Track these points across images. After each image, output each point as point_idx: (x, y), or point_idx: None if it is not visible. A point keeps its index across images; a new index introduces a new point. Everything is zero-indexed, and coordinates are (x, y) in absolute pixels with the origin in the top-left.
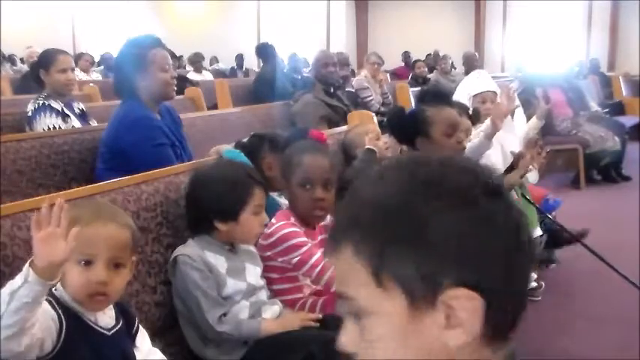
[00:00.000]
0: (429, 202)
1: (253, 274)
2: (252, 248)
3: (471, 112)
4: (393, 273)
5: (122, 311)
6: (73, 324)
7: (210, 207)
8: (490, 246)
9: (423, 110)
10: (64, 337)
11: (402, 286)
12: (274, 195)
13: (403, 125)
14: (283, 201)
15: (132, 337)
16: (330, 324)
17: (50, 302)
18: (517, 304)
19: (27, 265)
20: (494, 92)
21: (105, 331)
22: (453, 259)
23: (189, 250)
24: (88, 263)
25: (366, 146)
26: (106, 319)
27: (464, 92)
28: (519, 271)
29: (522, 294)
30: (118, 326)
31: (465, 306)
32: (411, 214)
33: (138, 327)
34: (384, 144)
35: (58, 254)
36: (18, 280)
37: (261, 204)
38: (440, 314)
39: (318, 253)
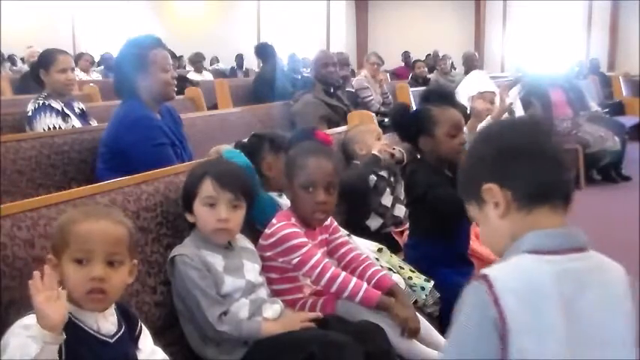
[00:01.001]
0: (475, 144)
1: (252, 271)
2: (250, 245)
3: (468, 111)
4: (466, 192)
5: (124, 314)
6: (74, 334)
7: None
8: (511, 159)
9: (428, 109)
10: (65, 350)
11: (472, 198)
12: (274, 195)
13: (407, 123)
14: (283, 201)
15: (135, 339)
16: (330, 324)
17: None
18: (537, 185)
19: (37, 330)
20: (493, 92)
21: (107, 339)
22: (485, 170)
23: (187, 249)
24: (85, 261)
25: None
26: (108, 325)
27: (464, 93)
28: (539, 168)
29: (538, 179)
30: (121, 332)
31: (494, 193)
32: (468, 154)
33: (141, 329)
34: (385, 146)
35: (62, 312)
36: (32, 346)
37: (211, 196)
38: (490, 204)
39: (319, 254)
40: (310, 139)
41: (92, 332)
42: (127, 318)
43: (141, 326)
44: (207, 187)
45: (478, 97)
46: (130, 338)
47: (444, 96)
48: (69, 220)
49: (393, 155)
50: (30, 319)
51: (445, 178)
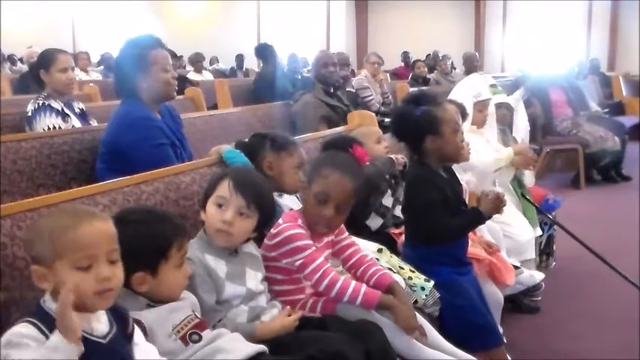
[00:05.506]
0: None
1: (254, 279)
2: (256, 252)
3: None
4: None
5: (114, 313)
6: None
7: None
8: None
9: (430, 110)
10: None
11: None
12: (274, 195)
13: (412, 126)
14: (283, 201)
15: (129, 337)
16: (329, 324)
17: (36, 325)
18: None
19: (62, 344)
20: (489, 99)
21: (100, 340)
22: None
23: (191, 252)
24: (89, 266)
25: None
26: (101, 326)
27: (467, 94)
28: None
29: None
30: (113, 331)
31: None
32: None
33: (133, 326)
34: (385, 148)
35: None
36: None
37: (224, 196)
38: None
39: (321, 258)
40: (347, 151)
41: (85, 334)
42: (117, 316)
43: (133, 323)
44: (223, 188)
45: (475, 107)
46: (124, 337)
47: (431, 100)
48: (58, 227)
49: (404, 167)
50: (25, 328)
51: (442, 181)
